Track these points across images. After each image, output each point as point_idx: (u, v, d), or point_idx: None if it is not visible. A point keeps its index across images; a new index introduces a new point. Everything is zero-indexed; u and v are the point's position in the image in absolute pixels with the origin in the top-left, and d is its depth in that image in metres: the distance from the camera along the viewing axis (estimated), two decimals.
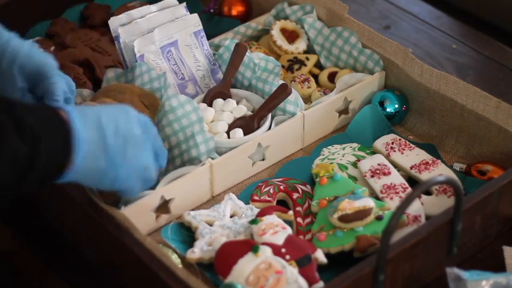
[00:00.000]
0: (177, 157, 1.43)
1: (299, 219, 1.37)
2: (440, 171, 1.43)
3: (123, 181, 1.22)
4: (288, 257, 1.26)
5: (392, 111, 1.55)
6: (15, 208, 1.38)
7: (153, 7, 1.57)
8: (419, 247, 1.23)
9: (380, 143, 1.49)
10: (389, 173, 1.41)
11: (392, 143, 1.48)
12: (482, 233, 1.33)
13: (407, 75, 1.55)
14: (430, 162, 1.44)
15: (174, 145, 1.43)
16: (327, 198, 1.37)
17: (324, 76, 1.62)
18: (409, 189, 1.39)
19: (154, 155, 1.27)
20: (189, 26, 1.57)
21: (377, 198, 1.38)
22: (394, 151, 1.47)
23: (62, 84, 1.35)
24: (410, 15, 1.86)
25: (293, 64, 1.63)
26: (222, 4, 1.80)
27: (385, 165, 1.43)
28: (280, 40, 1.66)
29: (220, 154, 1.43)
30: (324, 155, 1.49)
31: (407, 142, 1.49)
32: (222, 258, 1.25)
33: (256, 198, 1.40)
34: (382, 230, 1.13)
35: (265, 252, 1.25)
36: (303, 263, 1.25)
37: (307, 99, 1.58)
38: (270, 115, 1.49)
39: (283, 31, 1.67)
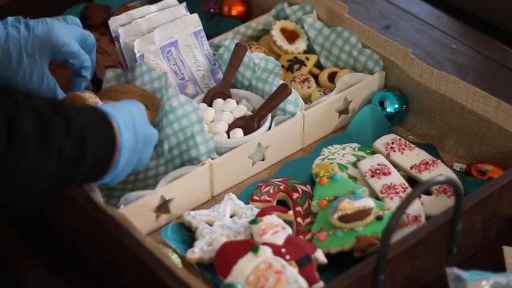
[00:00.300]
0: (176, 157, 1.43)
1: (299, 219, 1.37)
2: (440, 171, 1.43)
3: (127, 174, 1.27)
4: (288, 257, 1.26)
5: (392, 111, 1.55)
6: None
7: (153, 7, 1.57)
8: (419, 247, 1.23)
9: (380, 143, 1.49)
10: (389, 173, 1.41)
11: (393, 143, 1.48)
12: (482, 233, 1.33)
13: (407, 75, 1.55)
14: (430, 162, 1.44)
15: (174, 145, 1.43)
16: (327, 198, 1.37)
17: (324, 76, 1.62)
18: (409, 189, 1.39)
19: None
20: (189, 26, 1.57)
21: (377, 198, 1.38)
22: (394, 151, 1.47)
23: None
24: (410, 15, 1.86)
25: (293, 64, 1.63)
26: (222, 4, 1.80)
27: (385, 165, 1.43)
28: (280, 40, 1.66)
29: (220, 154, 1.43)
30: (324, 155, 1.49)
31: (407, 142, 1.49)
32: (222, 258, 1.25)
33: (256, 198, 1.40)
34: (382, 230, 1.13)
35: (265, 252, 1.25)
36: (303, 263, 1.25)
37: (307, 99, 1.58)
38: (270, 115, 1.49)
39: (283, 31, 1.67)
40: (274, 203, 1.40)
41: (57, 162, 1.10)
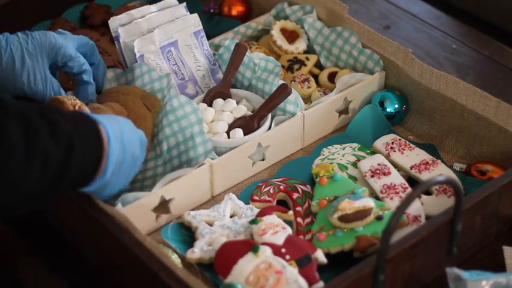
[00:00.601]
0: (175, 158, 1.43)
1: (299, 219, 1.37)
2: (440, 171, 1.43)
3: (114, 191, 1.28)
4: (288, 257, 1.26)
5: (392, 111, 1.55)
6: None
7: (153, 7, 1.57)
8: (419, 247, 1.23)
9: (380, 143, 1.49)
10: (389, 173, 1.41)
11: (393, 143, 1.48)
12: (482, 233, 1.33)
13: (407, 75, 1.55)
14: (430, 162, 1.44)
15: (173, 146, 1.43)
16: (327, 198, 1.37)
17: (324, 76, 1.62)
18: (409, 189, 1.39)
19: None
20: (189, 26, 1.57)
21: (377, 198, 1.38)
22: (394, 151, 1.47)
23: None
24: (410, 15, 1.86)
25: (293, 64, 1.63)
26: (222, 4, 1.80)
27: (385, 165, 1.43)
28: (280, 40, 1.66)
29: (220, 154, 1.43)
30: (324, 155, 1.49)
31: (407, 142, 1.49)
32: (222, 258, 1.25)
33: (256, 198, 1.40)
34: (382, 230, 1.13)
35: (265, 252, 1.25)
36: (303, 263, 1.25)
37: (307, 99, 1.58)
38: (270, 115, 1.49)
39: (283, 31, 1.67)
40: (274, 203, 1.40)
41: (42, 167, 1.10)
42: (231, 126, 1.48)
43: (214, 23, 1.78)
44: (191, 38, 1.57)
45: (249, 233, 1.31)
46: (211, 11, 1.79)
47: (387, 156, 1.46)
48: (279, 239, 1.28)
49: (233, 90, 1.54)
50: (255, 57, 1.55)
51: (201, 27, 1.58)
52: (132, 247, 1.21)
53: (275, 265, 1.22)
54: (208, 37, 1.61)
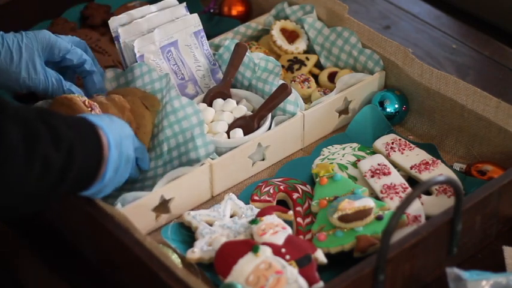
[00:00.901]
0: (175, 159, 1.43)
1: (299, 219, 1.37)
2: (440, 171, 1.43)
3: (108, 192, 1.28)
4: (288, 257, 1.26)
5: (392, 111, 1.55)
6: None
7: (153, 7, 1.57)
8: (419, 247, 1.23)
9: (380, 143, 1.49)
10: (389, 173, 1.41)
11: (393, 143, 1.48)
12: (482, 233, 1.33)
13: (407, 75, 1.55)
14: (430, 162, 1.44)
15: (174, 147, 1.43)
16: (327, 198, 1.37)
17: (324, 76, 1.62)
18: (409, 189, 1.39)
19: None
20: (189, 26, 1.57)
21: (377, 198, 1.38)
22: (394, 151, 1.47)
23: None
24: (410, 15, 1.86)
25: (293, 64, 1.63)
26: (222, 4, 1.80)
27: (385, 165, 1.43)
28: (280, 40, 1.66)
29: (220, 154, 1.43)
30: (324, 155, 1.49)
31: (407, 142, 1.49)
32: (222, 258, 1.25)
33: (256, 198, 1.40)
34: (382, 230, 1.13)
35: (265, 252, 1.25)
36: (303, 263, 1.25)
37: (307, 99, 1.58)
38: (270, 115, 1.49)
39: (283, 31, 1.67)
40: (274, 203, 1.40)
41: (42, 172, 1.11)
42: (231, 126, 1.48)
43: (214, 23, 1.78)
44: (191, 38, 1.57)
45: (249, 233, 1.31)
46: (211, 11, 1.79)
47: (387, 156, 1.46)
48: (279, 239, 1.28)
49: (233, 90, 1.54)
50: (255, 57, 1.55)
51: (201, 27, 1.58)
52: (132, 247, 1.21)
53: (275, 265, 1.22)
54: (208, 37, 1.61)
